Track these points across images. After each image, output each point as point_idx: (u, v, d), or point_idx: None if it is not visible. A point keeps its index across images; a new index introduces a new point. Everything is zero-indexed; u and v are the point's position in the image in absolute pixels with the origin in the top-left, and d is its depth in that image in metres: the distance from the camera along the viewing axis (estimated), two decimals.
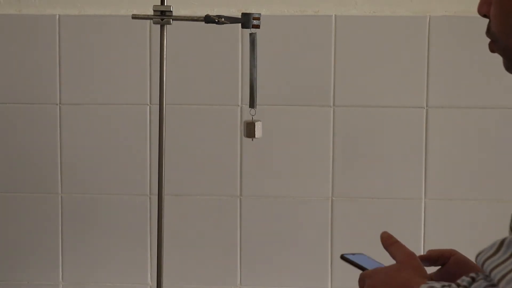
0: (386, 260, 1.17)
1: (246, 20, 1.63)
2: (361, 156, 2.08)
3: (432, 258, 1.23)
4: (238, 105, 2.09)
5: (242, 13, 1.64)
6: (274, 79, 2.07)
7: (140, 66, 2.09)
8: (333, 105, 2.08)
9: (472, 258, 1.14)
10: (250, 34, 1.65)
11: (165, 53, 1.69)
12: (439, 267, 1.24)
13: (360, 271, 1.17)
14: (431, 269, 1.22)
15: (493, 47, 1.12)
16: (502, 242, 0.95)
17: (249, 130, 1.68)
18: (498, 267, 0.94)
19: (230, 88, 2.09)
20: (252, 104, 1.68)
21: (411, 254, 1.12)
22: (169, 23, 1.66)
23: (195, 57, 2.09)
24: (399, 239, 1.16)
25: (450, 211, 2.08)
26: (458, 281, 1.00)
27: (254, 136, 1.68)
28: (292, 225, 2.11)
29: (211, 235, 2.12)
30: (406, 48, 2.06)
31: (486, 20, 1.14)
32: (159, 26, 1.68)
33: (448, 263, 1.22)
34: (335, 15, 2.06)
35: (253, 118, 1.67)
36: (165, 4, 1.67)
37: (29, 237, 2.14)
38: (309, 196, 2.09)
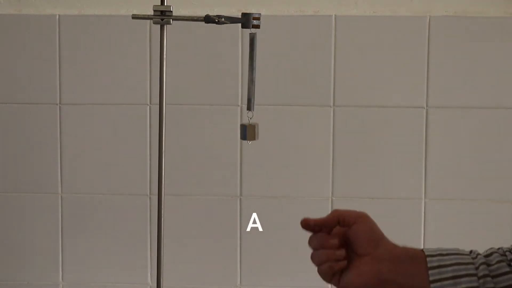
0: None
1: (246, 20, 1.62)
2: (361, 156, 2.08)
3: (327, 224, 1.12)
4: (238, 105, 2.09)
5: (242, 13, 1.63)
6: (274, 79, 2.07)
7: (140, 66, 2.09)
8: (333, 105, 2.08)
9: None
10: (250, 34, 1.65)
11: (165, 53, 1.69)
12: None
13: None
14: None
15: None
16: None
17: (244, 132, 1.66)
18: None
19: (230, 88, 2.09)
20: (249, 107, 1.66)
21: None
22: (169, 23, 1.66)
23: (195, 57, 2.09)
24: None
25: (450, 211, 2.08)
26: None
27: (250, 139, 1.66)
28: (292, 225, 2.11)
29: (211, 235, 2.12)
30: (406, 48, 2.06)
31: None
32: (159, 26, 1.68)
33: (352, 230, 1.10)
34: (335, 15, 2.06)
35: (250, 121, 1.66)
36: (165, 4, 1.67)
37: (29, 237, 2.14)
38: (309, 196, 2.09)
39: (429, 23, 2.05)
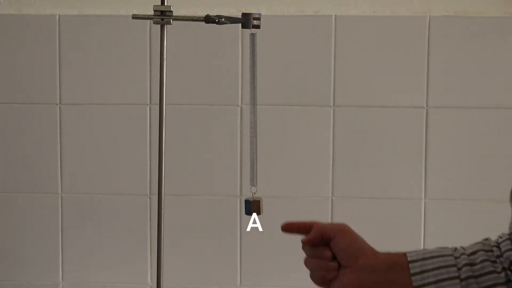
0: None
1: (246, 20, 1.63)
2: (361, 156, 2.08)
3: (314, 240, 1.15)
4: (238, 105, 2.09)
5: (242, 13, 1.63)
6: (274, 79, 2.07)
7: (140, 66, 2.09)
8: (333, 105, 2.08)
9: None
10: (250, 34, 1.65)
11: (165, 53, 1.69)
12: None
13: None
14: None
15: None
16: None
17: (248, 208, 1.65)
18: None
19: (230, 88, 2.09)
20: (252, 181, 1.66)
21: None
22: (169, 23, 1.66)
23: (195, 57, 2.09)
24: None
25: (450, 211, 2.08)
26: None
27: (256, 213, 1.65)
28: None
29: (211, 235, 2.12)
30: (406, 48, 2.06)
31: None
32: (159, 26, 1.68)
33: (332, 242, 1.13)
34: (335, 15, 2.06)
35: (254, 196, 1.65)
36: (165, 4, 1.67)
37: (29, 237, 2.14)
38: (309, 196, 2.09)
39: (429, 23, 2.05)
